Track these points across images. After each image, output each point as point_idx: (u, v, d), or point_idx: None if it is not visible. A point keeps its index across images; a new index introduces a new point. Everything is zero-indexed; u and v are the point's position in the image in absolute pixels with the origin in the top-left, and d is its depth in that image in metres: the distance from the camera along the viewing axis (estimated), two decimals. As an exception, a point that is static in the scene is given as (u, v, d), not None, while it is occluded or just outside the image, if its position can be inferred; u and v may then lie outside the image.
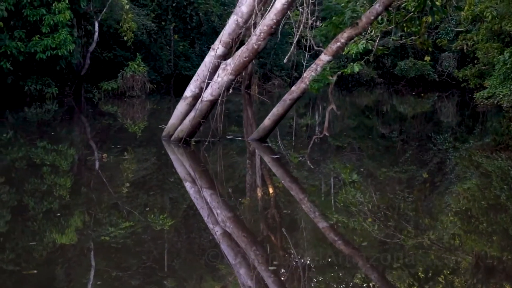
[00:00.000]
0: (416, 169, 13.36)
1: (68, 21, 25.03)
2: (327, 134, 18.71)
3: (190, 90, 15.07)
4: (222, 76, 14.29)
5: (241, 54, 14.16)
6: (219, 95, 14.35)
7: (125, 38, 29.53)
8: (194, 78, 15.12)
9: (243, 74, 35.17)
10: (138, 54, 29.70)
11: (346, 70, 15.13)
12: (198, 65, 16.04)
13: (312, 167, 13.54)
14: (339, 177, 12.53)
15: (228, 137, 16.38)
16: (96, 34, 28.94)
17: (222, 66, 14.37)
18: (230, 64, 14.25)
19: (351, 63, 14.87)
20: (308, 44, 17.57)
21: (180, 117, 15.01)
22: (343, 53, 15.83)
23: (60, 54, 25.02)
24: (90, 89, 28.78)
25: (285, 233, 8.59)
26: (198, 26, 36.94)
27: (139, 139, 17.23)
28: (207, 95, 14.45)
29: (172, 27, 35.28)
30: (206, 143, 14.56)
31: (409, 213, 9.73)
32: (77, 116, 23.85)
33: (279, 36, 17.09)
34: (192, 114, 14.54)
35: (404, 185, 11.71)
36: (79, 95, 28.66)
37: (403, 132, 20.92)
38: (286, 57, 15.38)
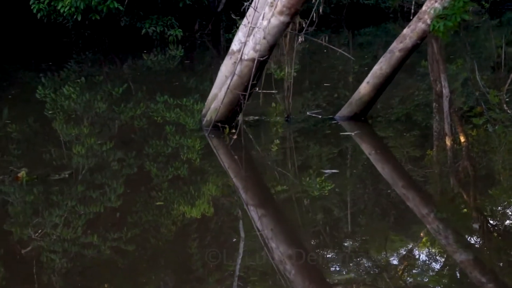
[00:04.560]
0: None
1: None
2: None
3: (238, 41, 9.44)
4: (269, 18, 8.47)
5: (295, -21, 8.20)
6: (268, 50, 8.59)
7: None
8: (244, 21, 9.47)
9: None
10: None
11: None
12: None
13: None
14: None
15: (309, 113, 10.35)
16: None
17: (269, 0, 8.54)
18: (280, -2, 8.36)
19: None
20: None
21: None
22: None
23: (179, -13, 20.50)
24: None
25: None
26: None
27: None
28: (248, 51, 8.72)
29: None
30: (236, 130, 8.84)
31: None
32: (206, 63, 19.63)
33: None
34: (228, 82, 8.97)
35: None
36: (217, 36, 23.95)
37: None
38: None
